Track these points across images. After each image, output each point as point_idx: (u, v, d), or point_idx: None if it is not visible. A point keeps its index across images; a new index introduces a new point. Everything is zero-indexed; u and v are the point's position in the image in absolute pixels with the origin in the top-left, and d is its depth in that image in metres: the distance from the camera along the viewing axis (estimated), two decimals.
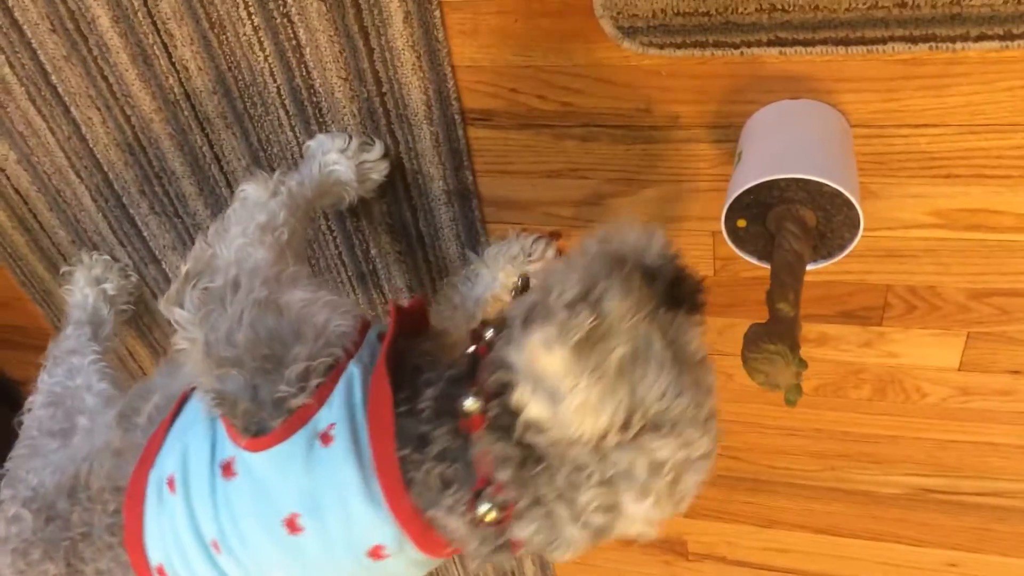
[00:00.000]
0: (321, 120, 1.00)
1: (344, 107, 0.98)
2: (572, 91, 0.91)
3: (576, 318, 0.61)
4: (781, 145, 0.82)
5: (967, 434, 1.13)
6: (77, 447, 0.93)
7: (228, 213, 0.91)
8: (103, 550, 0.83)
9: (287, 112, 1.01)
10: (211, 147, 1.08)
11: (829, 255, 0.84)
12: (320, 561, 0.75)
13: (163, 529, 0.79)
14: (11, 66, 1.07)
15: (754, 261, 0.84)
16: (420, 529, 0.71)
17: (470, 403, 0.68)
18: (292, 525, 0.74)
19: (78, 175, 1.17)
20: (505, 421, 0.66)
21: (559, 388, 0.62)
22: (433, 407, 0.71)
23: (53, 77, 1.06)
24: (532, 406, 0.63)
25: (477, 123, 0.97)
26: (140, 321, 1.37)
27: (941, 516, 1.27)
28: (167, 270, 1.27)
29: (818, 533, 1.38)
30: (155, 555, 0.80)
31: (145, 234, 1.22)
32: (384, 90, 0.95)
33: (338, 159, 1.00)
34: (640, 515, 0.67)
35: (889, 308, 1.02)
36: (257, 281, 0.83)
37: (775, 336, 0.74)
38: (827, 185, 0.76)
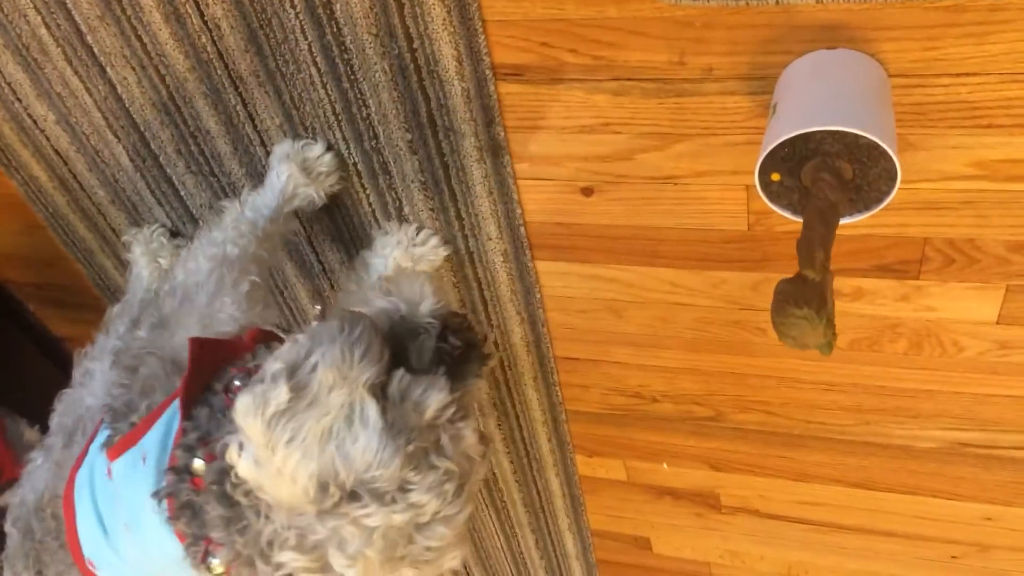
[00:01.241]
0: (353, 77, 1.00)
1: (375, 64, 0.98)
2: (604, 44, 0.90)
3: (273, 390, 0.65)
4: (817, 96, 0.81)
5: (1005, 388, 1.12)
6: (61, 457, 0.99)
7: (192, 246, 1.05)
8: (54, 553, 0.90)
9: (319, 70, 1.01)
10: (244, 106, 1.09)
11: (866, 208, 0.83)
12: (139, 565, 0.84)
13: (87, 525, 0.86)
14: (47, 27, 1.08)
15: (788, 215, 0.84)
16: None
17: (197, 464, 0.75)
18: (127, 529, 0.82)
19: (115, 135, 1.19)
20: (224, 479, 0.71)
21: (259, 454, 0.66)
22: (184, 454, 0.77)
23: (88, 38, 1.07)
24: (240, 466, 0.67)
25: (508, 78, 0.96)
26: None
27: (977, 470, 1.26)
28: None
29: (853, 487, 1.38)
30: (88, 549, 0.86)
31: (182, 193, 1.24)
32: (415, 46, 0.95)
33: (282, 168, 1.08)
34: None
35: (927, 261, 1.00)
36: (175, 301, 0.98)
37: (802, 300, 0.74)
38: (864, 137, 0.74)
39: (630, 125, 0.96)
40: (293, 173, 1.08)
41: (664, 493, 1.55)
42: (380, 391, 0.67)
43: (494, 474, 1.62)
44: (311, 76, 1.02)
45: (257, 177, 1.17)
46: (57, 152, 1.25)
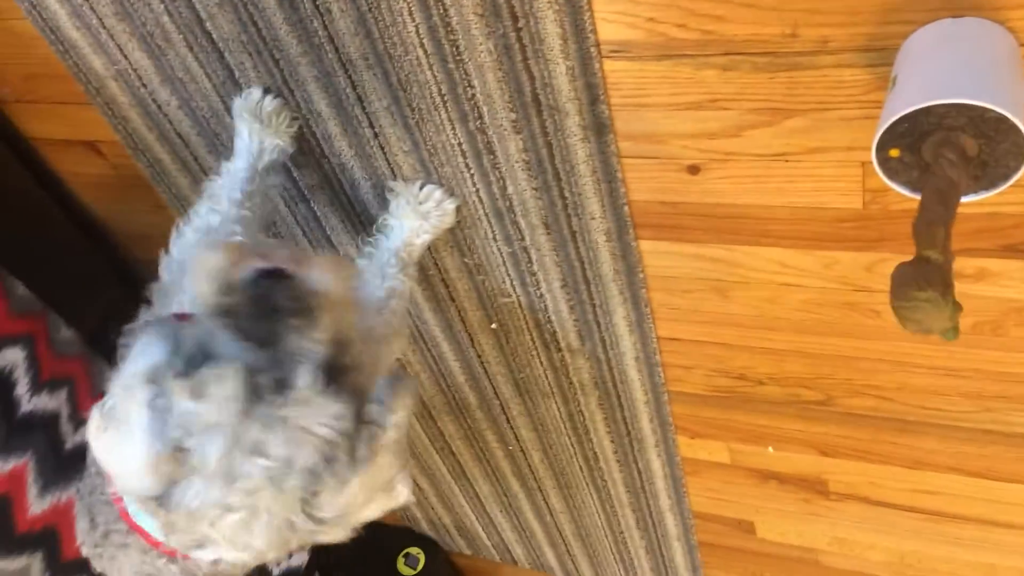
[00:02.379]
0: (458, 58, 1.01)
1: (480, 44, 0.98)
2: (713, 18, 0.88)
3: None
4: (941, 67, 0.77)
5: None
6: None
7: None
8: (103, 508, 0.93)
9: (425, 51, 1.02)
10: (354, 88, 1.11)
11: (992, 185, 0.78)
12: None
13: None
14: (170, 15, 1.13)
15: (907, 193, 0.80)
16: None
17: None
18: None
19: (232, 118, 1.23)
20: None
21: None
22: None
23: (207, 24, 1.12)
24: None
25: (614, 55, 0.95)
26: None
27: None
28: (315, 208, 1.33)
29: (971, 476, 1.32)
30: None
31: (295, 174, 1.28)
32: (520, 25, 0.95)
33: (241, 126, 1.14)
34: None
35: None
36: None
37: (924, 282, 0.71)
38: (991, 110, 0.71)
39: (739, 101, 0.94)
40: (252, 127, 1.13)
41: (769, 477, 1.52)
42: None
43: (594, 453, 1.62)
44: (418, 58, 1.04)
45: (365, 157, 1.20)
46: (179, 135, 1.31)
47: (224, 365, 0.67)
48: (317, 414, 0.67)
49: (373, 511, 0.75)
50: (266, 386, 0.67)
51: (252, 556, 0.70)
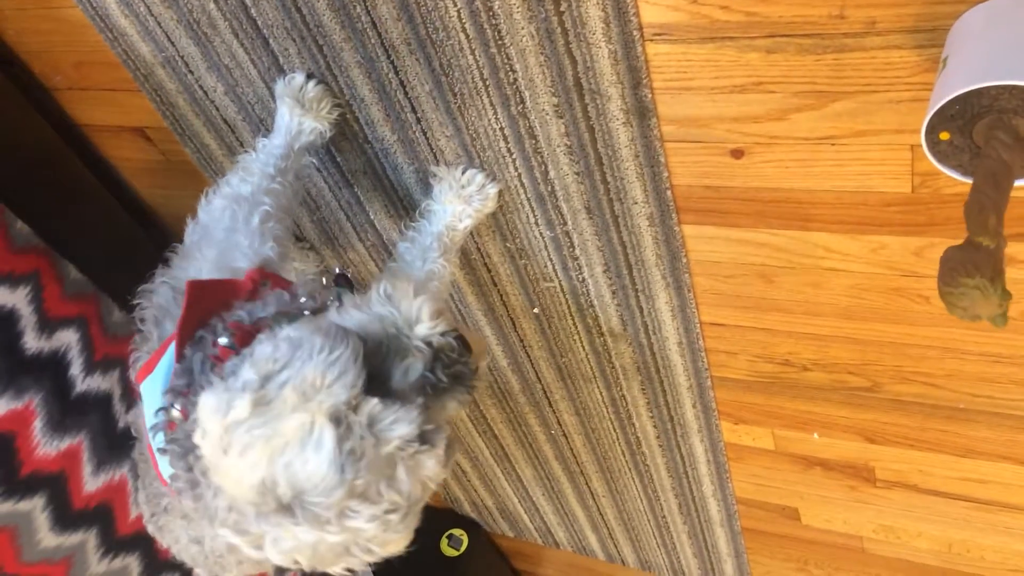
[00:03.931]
0: (500, 43, 1.01)
1: (522, 28, 0.98)
2: (758, 0, 0.86)
3: (237, 399, 0.67)
4: (993, 48, 0.75)
5: None
6: None
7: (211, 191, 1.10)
8: (143, 465, 0.96)
9: (467, 36, 1.02)
10: (396, 73, 1.12)
11: None
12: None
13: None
14: (215, 2, 1.14)
15: (957, 177, 0.78)
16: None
17: (175, 413, 0.79)
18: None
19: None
20: (189, 441, 0.73)
21: (214, 451, 0.68)
22: (171, 397, 0.81)
23: (252, 11, 1.13)
24: (201, 446, 0.70)
25: (656, 38, 0.94)
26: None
27: None
28: (358, 193, 1.34)
29: (1022, 465, 1.29)
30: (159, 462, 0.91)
31: (338, 159, 1.29)
32: (562, 8, 0.94)
33: (282, 106, 1.15)
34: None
35: None
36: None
37: (973, 268, 0.69)
38: None
39: (784, 83, 0.93)
40: (292, 108, 1.14)
41: (814, 464, 1.50)
42: (346, 416, 0.68)
43: (637, 438, 1.62)
44: (459, 43, 1.03)
45: (408, 142, 1.20)
46: (225, 121, 1.33)
47: (410, 409, 0.70)
48: (433, 474, 0.72)
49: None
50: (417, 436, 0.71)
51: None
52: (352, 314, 0.77)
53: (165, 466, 0.88)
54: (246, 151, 1.15)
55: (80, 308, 1.44)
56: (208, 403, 0.69)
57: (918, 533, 1.56)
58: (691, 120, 1.01)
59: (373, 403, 0.69)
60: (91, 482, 1.45)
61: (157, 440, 0.84)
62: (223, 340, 0.81)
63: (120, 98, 1.42)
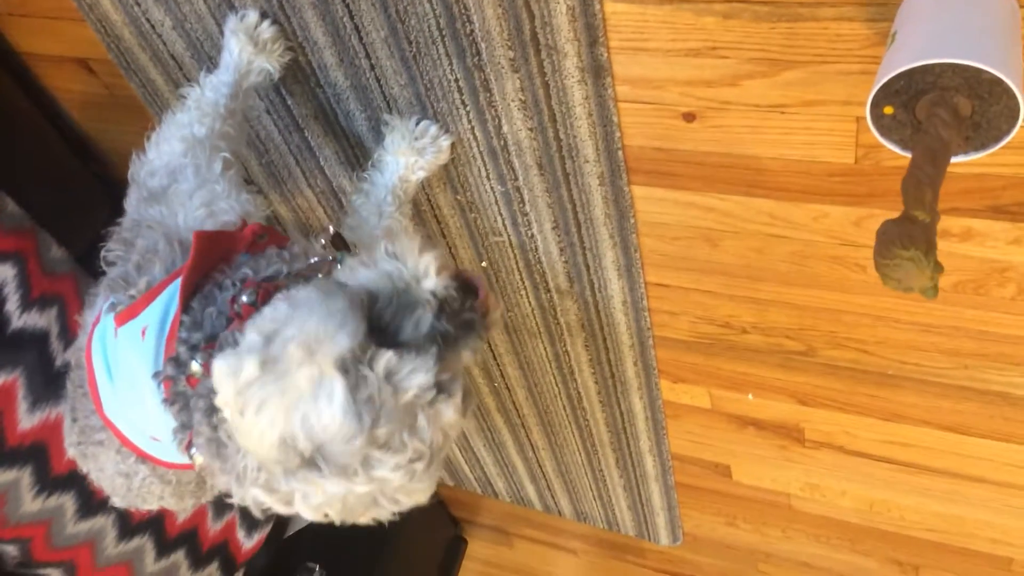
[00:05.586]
0: None
1: None
2: None
3: (246, 360, 0.69)
4: (940, 26, 0.76)
5: None
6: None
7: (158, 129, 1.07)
8: (81, 400, 0.95)
9: None
10: (351, 18, 1.10)
11: (983, 147, 0.79)
12: (138, 423, 0.91)
13: (102, 378, 0.92)
14: None
15: (898, 151, 0.80)
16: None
17: (195, 367, 0.79)
18: (130, 389, 0.88)
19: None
20: (213, 398, 0.73)
21: (232, 415, 0.70)
22: (186, 351, 0.81)
23: None
24: (222, 407, 0.71)
25: None
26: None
27: None
28: (308, 138, 1.32)
29: (944, 430, 1.35)
30: (104, 398, 0.91)
31: (289, 103, 1.27)
32: None
33: (232, 43, 1.12)
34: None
35: None
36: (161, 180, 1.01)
37: (908, 240, 0.71)
38: (987, 72, 0.70)
39: (738, 50, 0.94)
40: (243, 46, 1.12)
41: (748, 423, 1.55)
42: (355, 366, 0.69)
43: (578, 393, 1.65)
44: None
45: (361, 89, 1.19)
46: (172, 56, 1.29)
47: (426, 358, 0.71)
48: (452, 422, 0.73)
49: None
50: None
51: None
52: (360, 272, 0.78)
53: (124, 406, 0.89)
54: (191, 85, 1.12)
55: (17, 243, 1.40)
56: (220, 367, 0.70)
57: (842, 492, 1.63)
58: (645, 81, 1.02)
59: (388, 355, 0.69)
60: (26, 420, 1.43)
61: (162, 391, 0.83)
62: (245, 298, 0.81)
63: (63, 27, 1.37)
